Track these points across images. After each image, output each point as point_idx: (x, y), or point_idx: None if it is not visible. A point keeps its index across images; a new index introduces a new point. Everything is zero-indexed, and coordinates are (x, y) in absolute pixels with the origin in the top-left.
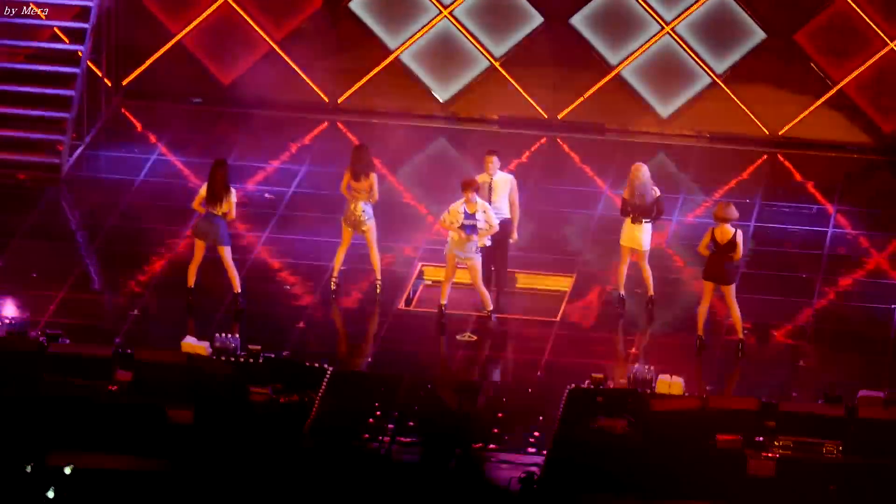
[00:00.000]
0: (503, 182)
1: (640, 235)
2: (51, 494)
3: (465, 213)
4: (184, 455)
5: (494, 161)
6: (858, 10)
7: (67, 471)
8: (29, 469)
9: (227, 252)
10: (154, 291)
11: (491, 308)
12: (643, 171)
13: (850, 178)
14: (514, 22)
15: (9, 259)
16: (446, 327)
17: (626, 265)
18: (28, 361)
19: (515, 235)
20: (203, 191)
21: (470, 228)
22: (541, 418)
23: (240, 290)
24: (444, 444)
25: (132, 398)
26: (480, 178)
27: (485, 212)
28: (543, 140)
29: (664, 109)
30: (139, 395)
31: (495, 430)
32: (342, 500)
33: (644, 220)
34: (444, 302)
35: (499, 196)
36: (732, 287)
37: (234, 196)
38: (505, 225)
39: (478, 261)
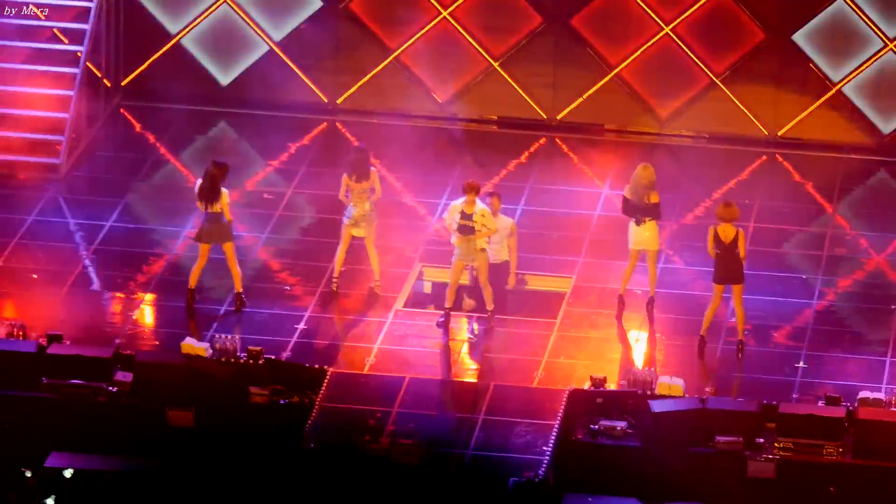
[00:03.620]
0: (503, 226)
1: (649, 236)
2: (50, 502)
3: (463, 213)
4: (184, 456)
5: (496, 203)
6: (858, 10)
7: (67, 474)
8: (29, 474)
9: (232, 248)
10: (154, 292)
11: (492, 308)
12: (647, 172)
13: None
14: (514, 22)
15: (9, 259)
16: (449, 330)
17: (633, 268)
18: (28, 362)
19: (513, 281)
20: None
21: (466, 229)
22: (541, 419)
23: (241, 290)
24: (444, 445)
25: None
26: None
27: (483, 215)
28: (543, 140)
29: (664, 109)
30: (139, 396)
31: (495, 431)
32: (342, 501)
33: (648, 220)
34: (448, 306)
35: (498, 238)
36: (741, 286)
37: (227, 197)
38: (502, 268)
39: (485, 258)
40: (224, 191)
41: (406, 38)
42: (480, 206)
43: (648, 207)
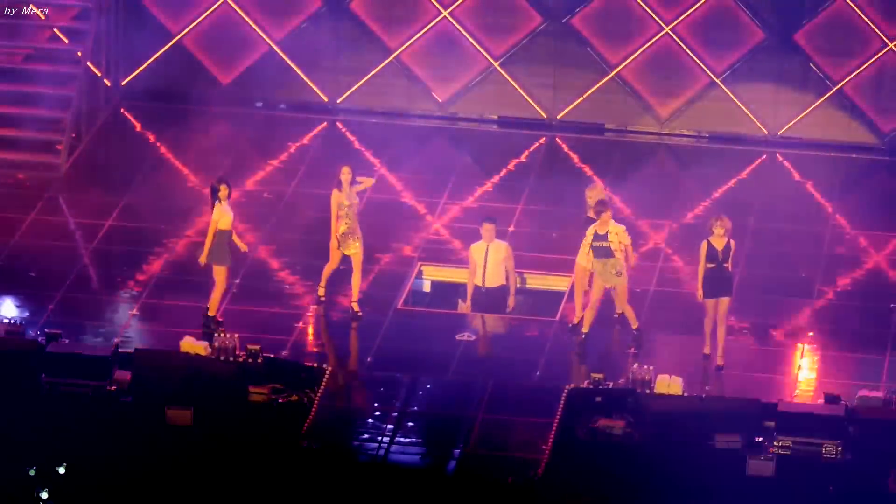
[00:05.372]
0: (499, 249)
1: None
2: (44, 496)
3: (596, 234)
4: (183, 455)
5: (492, 228)
6: (858, 10)
7: (61, 470)
8: (32, 473)
9: (218, 272)
10: (153, 290)
11: (637, 325)
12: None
13: None
14: (514, 21)
15: (8, 259)
16: (586, 356)
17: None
18: (27, 361)
19: (512, 303)
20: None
21: (601, 251)
22: (540, 418)
23: (213, 314)
24: (443, 444)
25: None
26: (477, 246)
27: (617, 234)
28: (543, 140)
29: (664, 109)
30: (138, 394)
31: (494, 430)
32: (341, 500)
33: None
34: (586, 330)
35: (495, 263)
36: (729, 300)
37: (217, 213)
38: (501, 292)
39: (622, 282)
40: (218, 205)
41: (406, 38)
42: (613, 225)
43: None
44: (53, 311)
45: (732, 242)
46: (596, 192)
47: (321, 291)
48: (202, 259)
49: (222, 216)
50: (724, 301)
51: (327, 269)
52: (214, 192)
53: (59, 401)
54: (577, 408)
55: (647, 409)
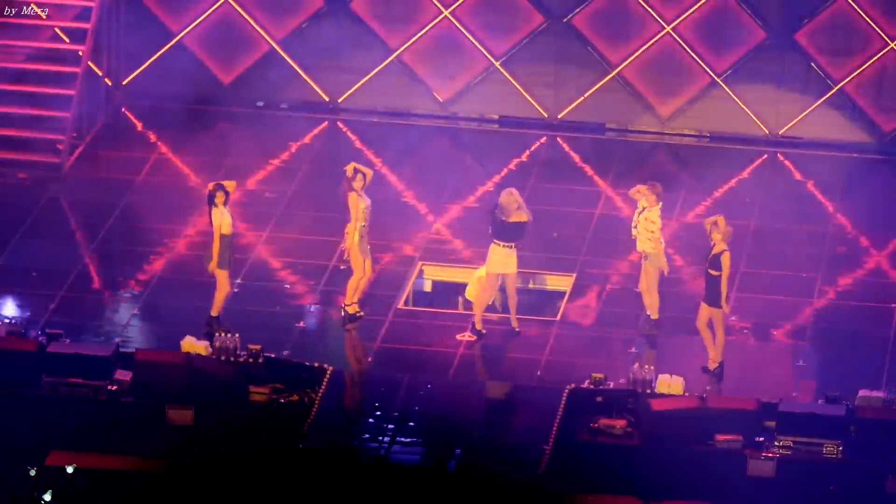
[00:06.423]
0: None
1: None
2: (48, 497)
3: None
4: (184, 455)
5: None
6: (858, 10)
7: (70, 470)
8: (33, 472)
9: (220, 275)
10: (154, 290)
11: (657, 317)
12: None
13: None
14: (515, 21)
15: (9, 259)
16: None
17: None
18: (28, 361)
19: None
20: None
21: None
22: (540, 418)
23: (216, 315)
24: (444, 444)
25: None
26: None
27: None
28: (543, 140)
29: (665, 109)
30: (139, 394)
31: (495, 430)
32: (341, 500)
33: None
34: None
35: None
36: (718, 312)
37: (218, 219)
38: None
39: (649, 265)
40: (216, 210)
41: (407, 38)
42: (646, 211)
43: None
44: (54, 311)
45: (725, 253)
46: (510, 197)
47: (360, 312)
48: (211, 267)
49: (223, 221)
50: (703, 307)
51: (360, 283)
52: (212, 198)
53: (59, 401)
54: (577, 408)
55: (647, 409)
